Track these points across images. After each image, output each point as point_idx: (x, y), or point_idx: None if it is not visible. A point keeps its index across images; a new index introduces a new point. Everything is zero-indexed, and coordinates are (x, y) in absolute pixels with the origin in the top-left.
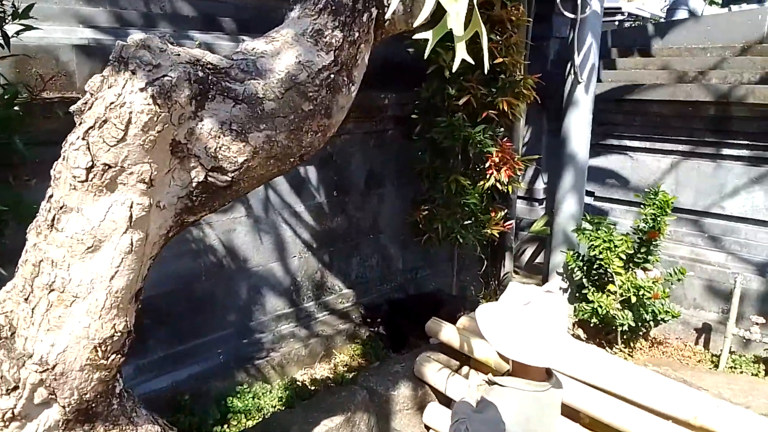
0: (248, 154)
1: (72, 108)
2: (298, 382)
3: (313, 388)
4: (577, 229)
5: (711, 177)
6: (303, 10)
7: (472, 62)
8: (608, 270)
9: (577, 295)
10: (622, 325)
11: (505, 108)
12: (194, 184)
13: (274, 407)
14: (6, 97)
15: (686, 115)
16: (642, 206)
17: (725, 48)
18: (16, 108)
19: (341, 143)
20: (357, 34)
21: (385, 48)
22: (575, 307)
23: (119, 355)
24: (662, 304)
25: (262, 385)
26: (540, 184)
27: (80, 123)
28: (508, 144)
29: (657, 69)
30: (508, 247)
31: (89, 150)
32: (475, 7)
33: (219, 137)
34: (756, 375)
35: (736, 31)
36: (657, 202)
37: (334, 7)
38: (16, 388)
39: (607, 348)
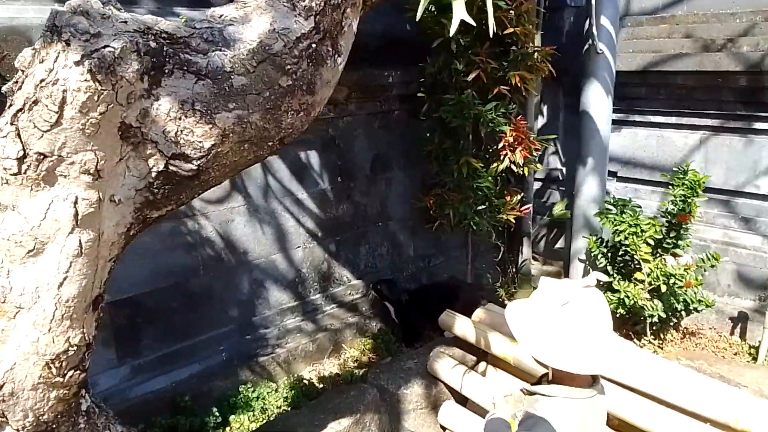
0: (216, 137)
1: (3, 88)
2: (305, 380)
3: (321, 386)
4: (599, 213)
5: (743, 153)
6: None
7: (473, 23)
8: (635, 257)
9: (601, 284)
10: (651, 316)
11: (518, 83)
12: (154, 174)
13: (279, 408)
14: None
15: (715, 86)
16: (670, 187)
17: (756, 12)
18: None
19: (344, 125)
20: None
21: (385, 21)
22: None
23: (78, 371)
24: (695, 293)
25: (266, 383)
26: (557, 165)
27: (10, 105)
28: (522, 122)
29: (682, 37)
30: (525, 233)
31: (19, 137)
32: None
33: (180, 119)
34: None
35: None
36: (687, 182)
37: None
38: None
39: (635, 340)
